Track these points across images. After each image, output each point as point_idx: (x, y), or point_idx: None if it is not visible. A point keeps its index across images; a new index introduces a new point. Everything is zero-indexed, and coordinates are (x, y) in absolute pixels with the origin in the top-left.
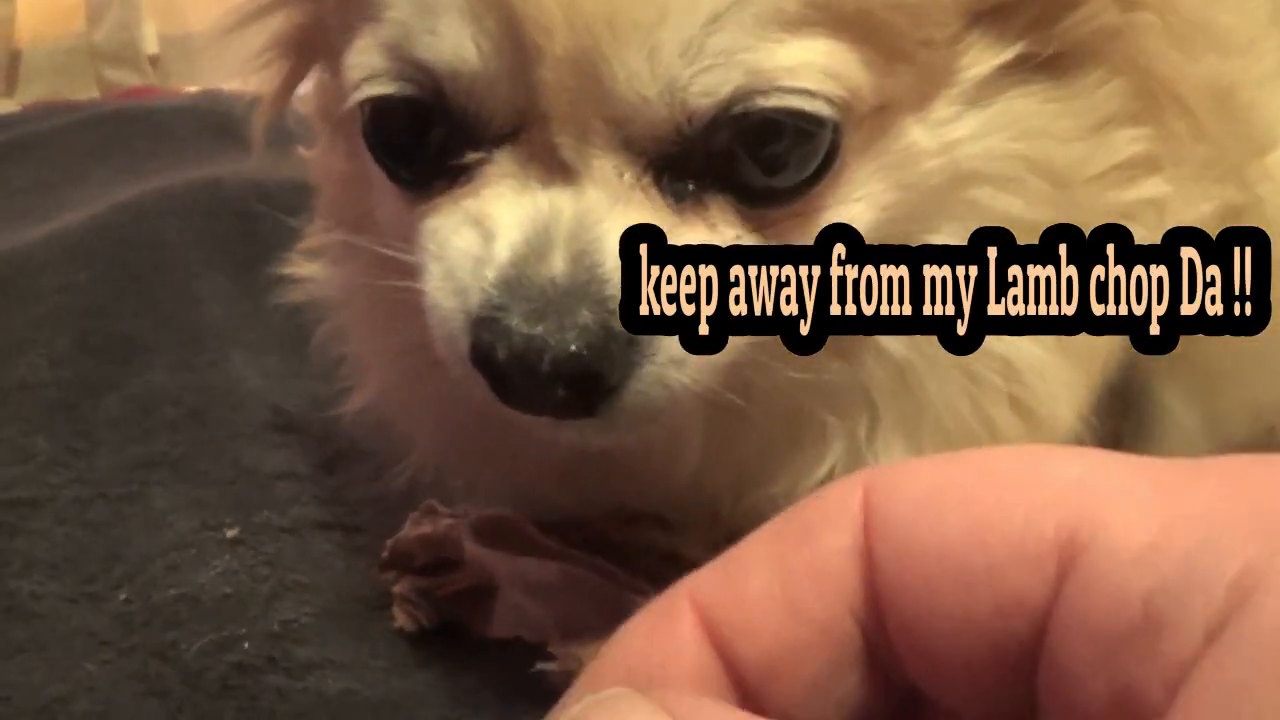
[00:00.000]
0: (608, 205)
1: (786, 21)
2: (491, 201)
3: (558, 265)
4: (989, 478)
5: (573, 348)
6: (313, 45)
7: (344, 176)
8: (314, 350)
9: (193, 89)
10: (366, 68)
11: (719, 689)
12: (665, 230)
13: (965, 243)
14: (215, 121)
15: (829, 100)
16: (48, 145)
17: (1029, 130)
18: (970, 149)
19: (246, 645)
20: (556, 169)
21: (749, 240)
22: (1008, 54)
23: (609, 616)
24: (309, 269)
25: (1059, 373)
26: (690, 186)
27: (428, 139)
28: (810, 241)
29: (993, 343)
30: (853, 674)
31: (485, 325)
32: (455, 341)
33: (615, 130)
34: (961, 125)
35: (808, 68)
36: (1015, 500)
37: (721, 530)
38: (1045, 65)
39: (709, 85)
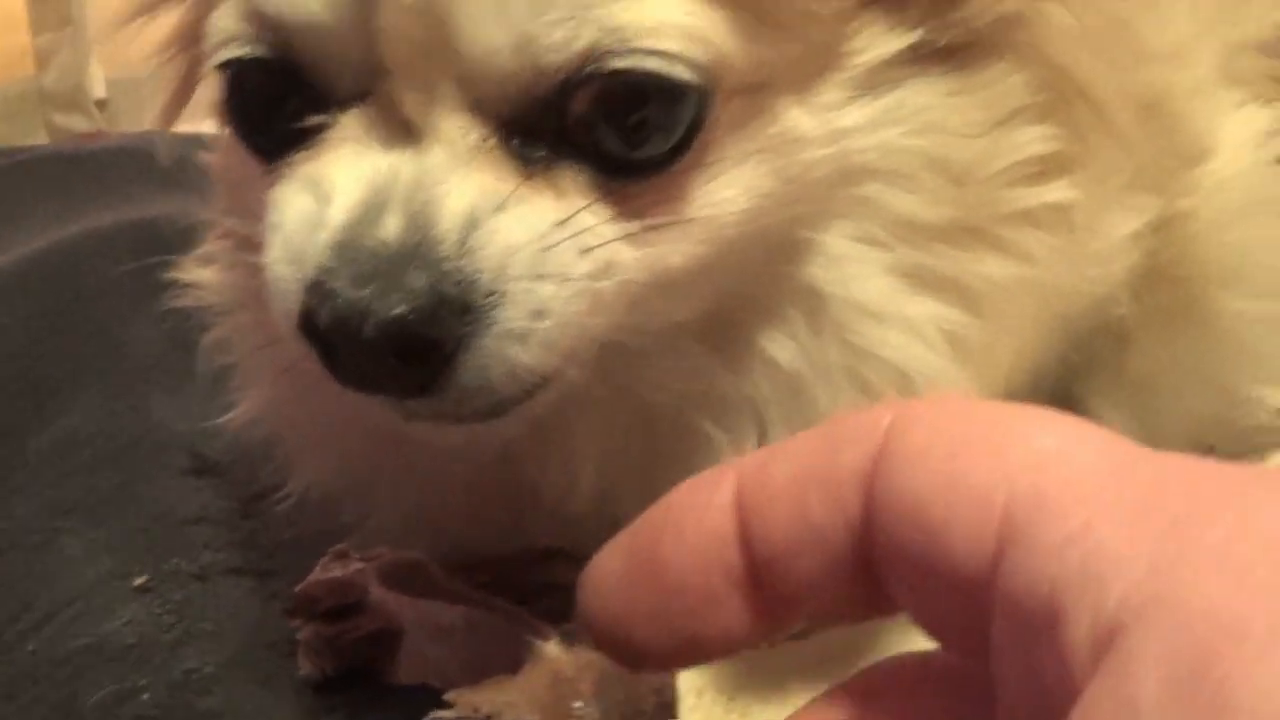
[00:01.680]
0: (449, 166)
1: None
2: (331, 164)
3: (391, 227)
4: (978, 433)
5: (396, 311)
6: None
7: (239, 178)
8: (200, 358)
9: (141, 131)
10: (222, 32)
11: (731, 554)
12: (509, 195)
13: (856, 241)
14: (154, 163)
15: (691, 64)
16: None
17: (927, 124)
18: (861, 141)
19: (146, 696)
20: (402, 130)
21: (602, 211)
22: (904, 40)
23: (513, 660)
24: (200, 274)
25: (955, 382)
26: (541, 151)
27: (284, 106)
28: (671, 219)
29: (886, 351)
30: (846, 581)
31: (313, 290)
32: (291, 314)
33: (464, 89)
34: (851, 113)
35: (668, 28)
36: (983, 463)
37: None
38: (945, 54)
39: (559, 40)
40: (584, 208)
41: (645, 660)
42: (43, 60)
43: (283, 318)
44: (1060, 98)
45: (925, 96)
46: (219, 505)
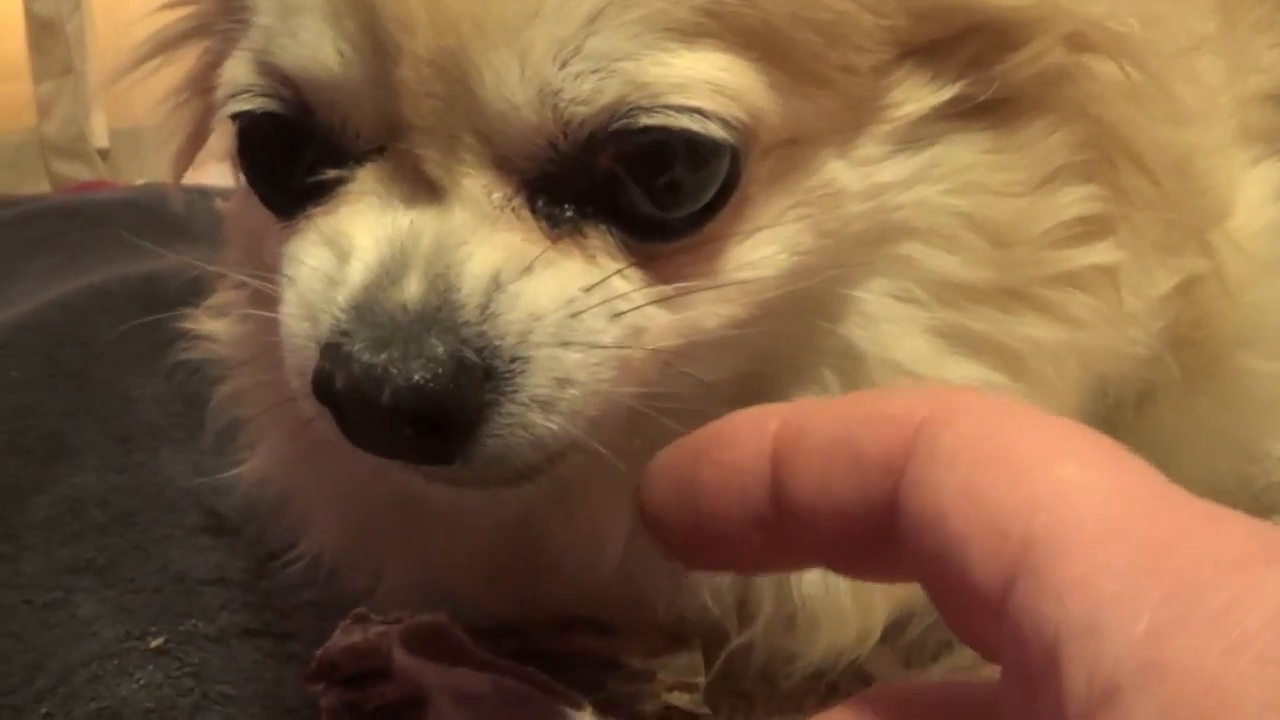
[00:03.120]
0: (472, 227)
1: (678, 30)
2: (349, 219)
3: (411, 290)
4: (1006, 446)
5: (415, 379)
6: None
7: (254, 227)
8: (211, 413)
9: (143, 182)
10: (233, 83)
11: (760, 495)
12: (536, 258)
13: (894, 299)
14: (156, 215)
15: (725, 122)
16: None
17: (967, 183)
18: (900, 197)
19: None
20: (423, 187)
21: (634, 275)
22: (944, 94)
23: None
24: (212, 326)
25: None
26: (568, 211)
27: (299, 161)
28: (707, 281)
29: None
30: (860, 547)
31: (329, 352)
32: (305, 372)
33: (486, 146)
34: (891, 168)
35: (700, 84)
36: (1005, 483)
37: (661, 634)
38: (987, 110)
39: (584, 92)
40: (615, 272)
41: (680, 559)
42: (44, 109)
43: (295, 375)
44: (1103, 156)
45: (966, 153)
46: (234, 565)
